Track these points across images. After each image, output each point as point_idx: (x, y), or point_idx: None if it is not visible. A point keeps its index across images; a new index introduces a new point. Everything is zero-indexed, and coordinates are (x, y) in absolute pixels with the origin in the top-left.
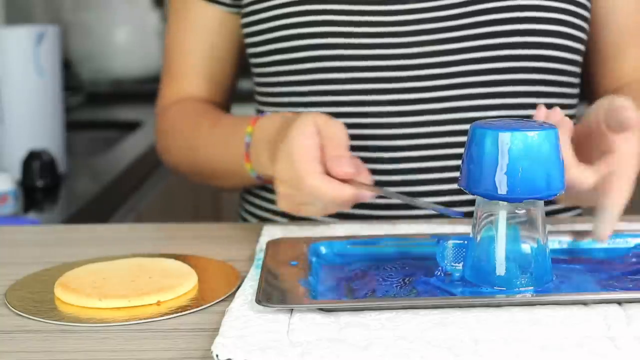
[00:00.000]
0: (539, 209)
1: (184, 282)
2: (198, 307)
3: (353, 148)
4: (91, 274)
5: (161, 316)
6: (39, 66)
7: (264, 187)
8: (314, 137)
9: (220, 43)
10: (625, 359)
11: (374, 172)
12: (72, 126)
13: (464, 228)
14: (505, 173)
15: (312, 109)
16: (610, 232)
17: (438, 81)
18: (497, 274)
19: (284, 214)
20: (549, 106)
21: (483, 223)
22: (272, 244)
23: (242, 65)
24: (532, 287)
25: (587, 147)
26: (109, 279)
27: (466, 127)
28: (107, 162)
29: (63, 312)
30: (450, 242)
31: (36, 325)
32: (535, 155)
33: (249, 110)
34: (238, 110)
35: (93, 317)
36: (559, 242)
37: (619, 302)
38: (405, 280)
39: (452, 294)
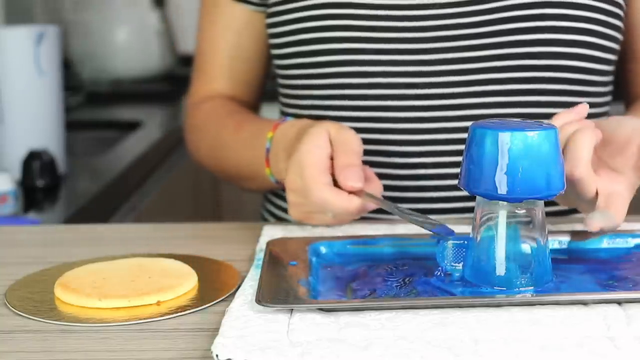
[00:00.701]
0: (539, 209)
1: (184, 282)
2: (198, 307)
3: (368, 152)
4: (91, 274)
5: (161, 316)
6: (39, 66)
7: None
8: (324, 148)
9: (247, 43)
10: (625, 359)
11: (388, 177)
12: (72, 126)
13: (464, 228)
14: (505, 173)
15: (331, 113)
16: (602, 225)
17: (456, 89)
18: (497, 274)
19: None
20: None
21: (483, 223)
22: (272, 244)
23: (270, 65)
24: (532, 287)
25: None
26: (109, 279)
27: None
28: (107, 162)
29: (63, 312)
30: (450, 242)
31: (36, 325)
32: (535, 155)
33: (276, 109)
34: (266, 108)
35: (93, 317)
36: (559, 242)
37: (619, 302)
38: (405, 280)
39: (452, 294)
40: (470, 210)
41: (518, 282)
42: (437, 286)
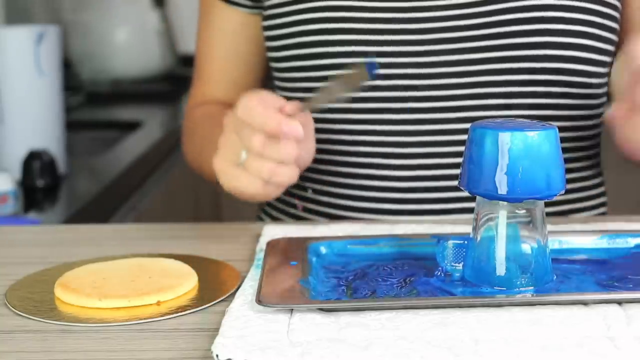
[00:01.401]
0: (539, 209)
1: (184, 282)
2: (198, 307)
3: (368, 154)
4: (91, 274)
5: (161, 316)
6: (39, 66)
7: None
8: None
9: (243, 46)
10: (625, 359)
11: (388, 178)
12: (72, 126)
13: (464, 228)
14: (506, 173)
15: (329, 115)
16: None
17: (455, 91)
18: (497, 274)
19: (299, 217)
20: (572, 114)
21: (483, 223)
22: (272, 244)
23: (268, 69)
24: (532, 287)
25: None
26: (109, 279)
27: None
28: (107, 162)
29: (63, 312)
30: (450, 242)
31: (36, 325)
32: (536, 155)
33: None
34: None
35: (93, 317)
36: (559, 242)
37: (619, 302)
38: (406, 280)
39: (452, 294)
40: (470, 211)
41: (518, 282)
42: (437, 286)
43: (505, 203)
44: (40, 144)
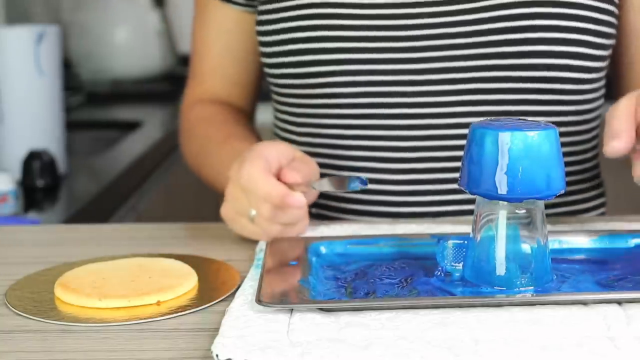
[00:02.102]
0: (539, 209)
1: (184, 282)
2: (198, 307)
3: (363, 158)
4: (91, 274)
5: (161, 316)
6: (39, 66)
7: None
8: (273, 151)
9: (237, 44)
10: (625, 359)
11: (383, 182)
12: (72, 126)
13: (464, 228)
14: (505, 173)
15: (322, 120)
16: None
17: (446, 97)
18: (497, 274)
19: None
20: (565, 120)
21: (483, 223)
22: (272, 244)
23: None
24: (532, 287)
25: None
26: (109, 279)
27: None
28: (107, 162)
29: (63, 312)
30: (450, 242)
31: (36, 325)
32: (535, 155)
33: (272, 109)
34: (263, 108)
35: (93, 317)
36: (559, 242)
37: (619, 302)
38: (406, 280)
39: (452, 294)
40: (465, 212)
41: (518, 282)
42: (437, 286)
43: (505, 203)
44: (40, 144)
